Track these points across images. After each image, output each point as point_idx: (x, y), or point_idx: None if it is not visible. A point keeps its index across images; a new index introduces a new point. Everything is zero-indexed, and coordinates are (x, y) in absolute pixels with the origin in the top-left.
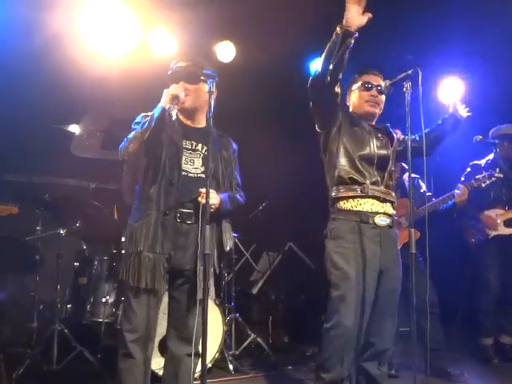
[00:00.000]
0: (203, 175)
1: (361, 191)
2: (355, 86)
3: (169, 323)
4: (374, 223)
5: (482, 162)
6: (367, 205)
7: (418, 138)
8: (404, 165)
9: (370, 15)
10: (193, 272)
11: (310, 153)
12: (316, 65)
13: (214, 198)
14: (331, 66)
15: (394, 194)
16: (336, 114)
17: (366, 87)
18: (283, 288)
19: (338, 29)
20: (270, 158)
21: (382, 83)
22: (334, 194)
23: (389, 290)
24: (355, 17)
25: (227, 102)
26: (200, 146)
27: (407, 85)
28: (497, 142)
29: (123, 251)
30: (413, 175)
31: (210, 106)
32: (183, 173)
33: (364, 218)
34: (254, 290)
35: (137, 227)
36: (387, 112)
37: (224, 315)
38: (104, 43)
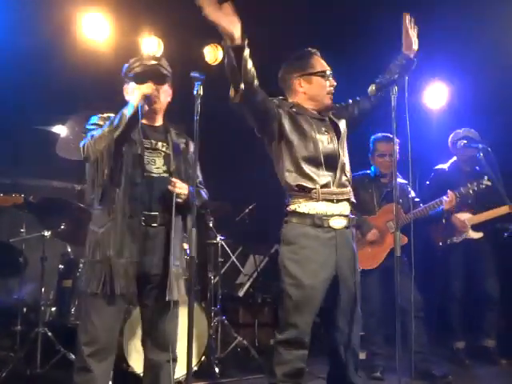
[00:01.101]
0: (166, 175)
1: (311, 197)
2: (312, 72)
3: (144, 332)
4: (329, 226)
5: (446, 165)
6: (321, 208)
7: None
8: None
9: (229, 4)
10: (162, 276)
11: None
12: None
13: (184, 188)
14: (242, 85)
15: (349, 189)
16: (270, 118)
17: (325, 76)
18: (270, 291)
19: (226, 50)
20: (257, 160)
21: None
22: (286, 199)
23: (347, 296)
24: (227, 25)
25: (214, 105)
26: (160, 144)
27: (393, 89)
28: (480, 146)
29: (83, 260)
30: (402, 181)
31: (196, 110)
32: (145, 173)
33: (318, 221)
34: (241, 293)
35: (103, 233)
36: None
37: (210, 318)
38: (90, 45)
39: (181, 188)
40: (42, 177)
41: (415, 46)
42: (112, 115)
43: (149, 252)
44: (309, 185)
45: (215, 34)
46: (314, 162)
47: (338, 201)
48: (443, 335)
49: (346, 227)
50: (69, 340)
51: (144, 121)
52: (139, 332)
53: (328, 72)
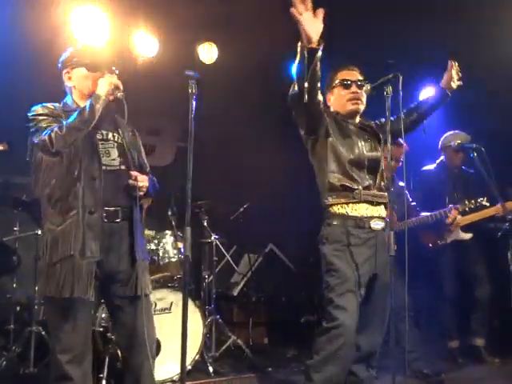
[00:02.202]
0: (123, 167)
1: (353, 197)
2: (333, 85)
3: (116, 332)
4: (370, 227)
5: (432, 166)
6: (362, 209)
7: (396, 118)
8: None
9: (322, 12)
10: (129, 272)
11: (292, 154)
12: (292, 84)
13: (145, 180)
14: (306, 84)
15: (386, 195)
16: (321, 121)
17: (345, 85)
18: (264, 290)
19: (299, 48)
20: (251, 160)
21: (361, 77)
22: (326, 200)
23: (380, 294)
24: (310, 28)
25: (209, 103)
26: (111, 135)
27: (388, 89)
28: (474, 146)
29: (40, 261)
30: (401, 184)
31: (191, 109)
32: (103, 166)
33: (360, 222)
34: (235, 292)
35: (62, 231)
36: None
37: (204, 317)
38: (86, 44)
39: (142, 181)
40: None
41: (454, 86)
42: (54, 104)
43: (113, 248)
44: (352, 185)
45: (210, 33)
46: (358, 165)
47: (377, 203)
48: (437, 335)
49: (383, 229)
50: None
51: None
52: None
53: (347, 81)
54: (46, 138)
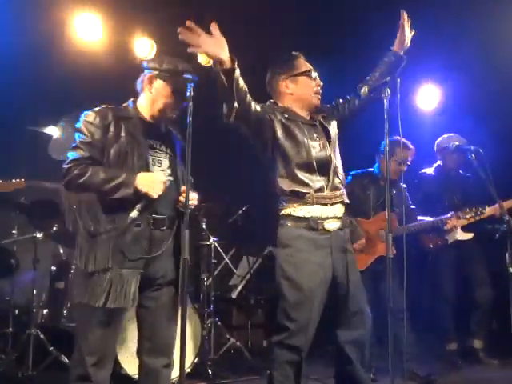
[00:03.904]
0: (171, 178)
1: (305, 202)
2: (297, 73)
3: (140, 335)
4: (324, 229)
5: (430, 170)
6: (315, 211)
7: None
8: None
9: (214, 26)
10: (166, 280)
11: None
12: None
13: (195, 199)
14: (236, 105)
15: (342, 192)
16: (264, 124)
17: (311, 76)
18: (263, 292)
19: (215, 74)
20: (250, 161)
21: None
22: (280, 204)
23: (347, 295)
24: (215, 50)
25: (207, 106)
26: (164, 146)
27: (385, 91)
28: (472, 148)
29: (76, 267)
30: (403, 185)
31: (189, 111)
32: None
33: (313, 224)
34: (234, 295)
35: (103, 238)
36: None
37: (203, 320)
38: (84, 47)
39: (192, 199)
40: (34, 178)
41: (407, 42)
42: (109, 111)
43: (154, 256)
44: (303, 190)
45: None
46: (307, 167)
47: (332, 204)
48: (436, 336)
49: (340, 229)
50: (61, 342)
51: (149, 119)
52: (131, 334)
53: (313, 72)
54: (67, 168)
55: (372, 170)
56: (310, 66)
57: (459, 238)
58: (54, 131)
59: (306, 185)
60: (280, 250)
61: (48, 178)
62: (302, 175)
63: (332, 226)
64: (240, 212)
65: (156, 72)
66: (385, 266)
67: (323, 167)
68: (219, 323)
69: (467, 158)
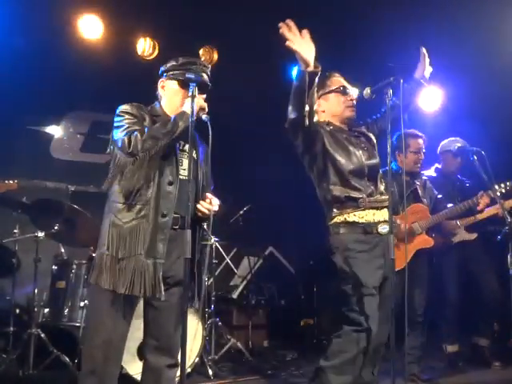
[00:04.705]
0: (191, 178)
1: (359, 206)
2: (329, 91)
3: (146, 333)
4: (378, 232)
5: (431, 171)
6: (369, 216)
7: (379, 116)
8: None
9: (307, 33)
10: (175, 280)
11: (293, 157)
12: (289, 109)
13: (216, 205)
14: (307, 108)
15: (387, 198)
16: (317, 136)
17: (343, 91)
18: (264, 292)
19: (297, 73)
20: (252, 162)
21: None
22: (332, 212)
23: (386, 297)
24: (306, 53)
25: (209, 105)
26: (187, 147)
27: (388, 92)
28: (475, 149)
29: (100, 251)
30: (425, 177)
31: (192, 111)
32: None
33: (368, 228)
34: (235, 295)
35: (130, 228)
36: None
37: (204, 320)
38: (86, 47)
39: (215, 205)
40: (35, 177)
41: (427, 75)
42: (141, 105)
43: (168, 253)
44: (356, 195)
45: (210, 36)
46: (358, 174)
47: (381, 208)
48: (437, 338)
49: (390, 232)
50: (62, 341)
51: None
52: (132, 333)
53: (345, 88)
54: (126, 138)
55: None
56: (342, 83)
57: (463, 239)
58: (55, 131)
59: (359, 190)
60: (339, 255)
61: (49, 178)
62: (354, 181)
63: (384, 229)
64: (241, 212)
65: (165, 74)
66: (413, 268)
67: (372, 173)
68: (220, 323)
69: (469, 160)
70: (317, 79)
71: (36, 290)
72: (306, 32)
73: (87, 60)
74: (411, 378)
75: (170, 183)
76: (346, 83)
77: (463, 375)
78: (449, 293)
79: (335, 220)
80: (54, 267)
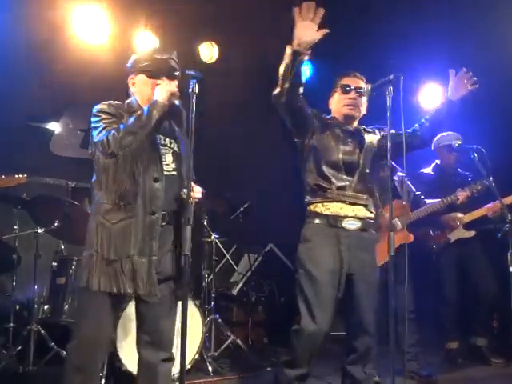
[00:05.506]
0: (175, 173)
1: (327, 197)
2: (334, 89)
3: (138, 328)
4: (342, 227)
5: (429, 169)
6: (335, 208)
7: (411, 132)
8: (394, 164)
9: (325, 31)
10: (165, 275)
11: (292, 154)
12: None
13: (199, 192)
14: (287, 85)
15: (366, 197)
16: (307, 124)
17: (344, 90)
18: (263, 289)
19: (287, 49)
20: (252, 159)
21: (364, 85)
22: (305, 199)
23: (364, 294)
24: (305, 34)
25: (210, 104)
26: (168, 140)
27: (389, 90)
28: (474, 147)
29: (89, 252)
30: (401, 173)
31: (192, 107)
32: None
33: (332, 221)
34: (234, 292)
35: (119, 228)
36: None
37: (204, 316)
38: (86, 43)
39: (197, 192)
40: (35, 174)
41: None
42: (118, 102)
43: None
44: (325, 185)
45: (210, 32)
46: (334, 166)
47: (352, 204)
48: (436, 335)
49: (361, 229)
50: (62, 338)
51: None
52: (133, 329)
53: (347, 87)
54: (105, 139)
55: None
56: (348, 81)
57: (461, 236)
58: (55, 127)
59: (330, 181)
60: (301, 245)
61: (49, 174)
62: (327, 171)
63: (351, 225)
64: (242, 209)
65: (133, 70)
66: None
67: (350, 169)
68: (220, 320)
69: (469, 157)
70: (304, 59)
71: (36, 287)
72: (324, 30)
73: (88, 55)
74: (410, 376)
75: (156, 180)
76: (355, 83)
77: (462, 371)
78: (447, 291)
79: (307, 209)
80: (54, 263)
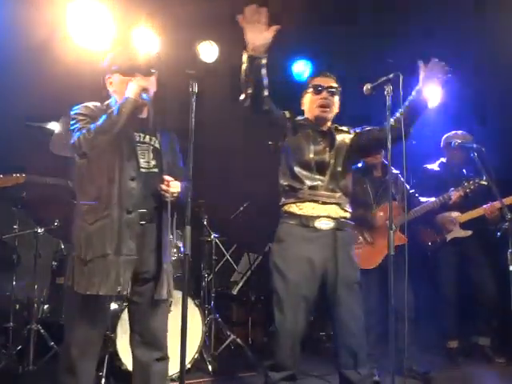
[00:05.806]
0: (156, 170)
1: (298, 197)
2: (306, 90)
3: (131, 328)
4: (315, 227)
5: (435, 165)
6: (308, 208)
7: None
8: (386, 161)
9: (275, 28)
10: (152, 274)
11: None
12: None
13: (177, 186)
14: (250, 90)
15: (339, 195)
16: (277, 126)
17: (316, 90)
18: (263, 289)
19: (243, 55)
20: (252, 158)
21: (335, 84)
22: (280, 201)
23: (341, 295)
24: (256, 38)
25: (210, 103)
26: (148, 137)
27: (388, 88)
28: (475, 146)
29: (72, 255)
30: (394, 171)
31: (192, 107)
32: (140, 168)
33: (304, 221)
34: (234, 291)
35: (96, 229)
36: (368, 113)
37: (204, 316)
38: (87, 42)
39: (174, 187)
40: (35, 173)
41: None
42: (96, 104)
43: (139, 249)
44: (297, 185)
45: (210, 32)
46: (305, 166)
47: (325, 203)
48: (436, 334)
49: (335, 229)
50: (61, 337)
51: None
52: None
53: (319, 87)
54: (76, 139)
55: (359, 165)
56: (320, 82)
57: (458, 236)
58: (55, 126)
59: (301, 181)
60: (274, 245)
61: (49, 174)
62: (299, 172)
63: (324, 224)
64: (241, 208)
65: (108, 69)
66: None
67: (320, 168)
68: (220, 319)
69: (470, 156)
70: (261, 63)
71: (36, 286)
72: (274, 28)
73: (87, 55)
74: (409, 373)
75: (132, 178)
76: (326, 83)
77: (462, 370)
78: (446, 290)
79: (281, 209)
80: (54, 263)
